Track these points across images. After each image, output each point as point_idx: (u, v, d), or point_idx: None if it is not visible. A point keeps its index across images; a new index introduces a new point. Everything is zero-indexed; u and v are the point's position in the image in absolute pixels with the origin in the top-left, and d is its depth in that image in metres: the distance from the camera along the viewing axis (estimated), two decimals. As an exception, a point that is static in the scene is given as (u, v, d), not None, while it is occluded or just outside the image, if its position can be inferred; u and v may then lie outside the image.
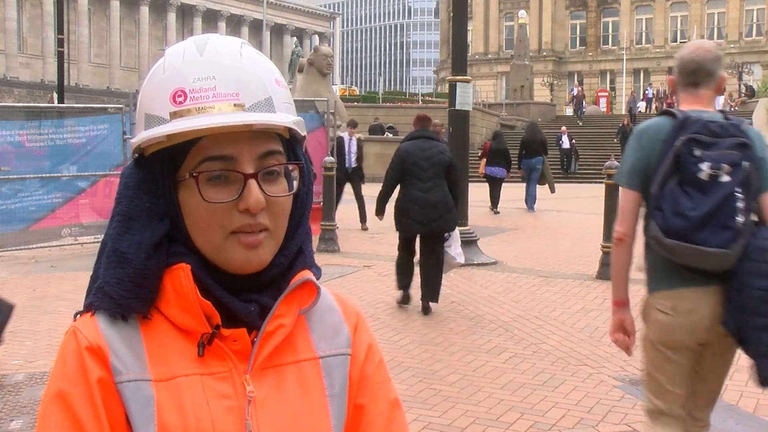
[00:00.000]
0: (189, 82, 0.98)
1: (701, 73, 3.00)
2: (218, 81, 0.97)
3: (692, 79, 3.02)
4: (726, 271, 2.83)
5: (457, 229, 7.59)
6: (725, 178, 2.79)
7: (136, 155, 1.03)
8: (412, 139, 7.54)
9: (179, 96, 0.97)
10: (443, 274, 7.44)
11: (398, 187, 7.44)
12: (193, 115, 0.96)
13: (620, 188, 3.07)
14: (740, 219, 2.79)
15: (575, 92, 44.82)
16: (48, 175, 11.57)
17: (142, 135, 1.00)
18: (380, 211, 7.75)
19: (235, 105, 0.97)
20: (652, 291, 3.01)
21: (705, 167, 2.79)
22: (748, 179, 2.80)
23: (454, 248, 7.50)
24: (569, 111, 45.80)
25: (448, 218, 7.19)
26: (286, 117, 1.01)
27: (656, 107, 43.17)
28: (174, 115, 0.97)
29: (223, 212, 0.98)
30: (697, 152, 2.80)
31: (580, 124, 39.75)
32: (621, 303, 3.12)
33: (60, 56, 17.95)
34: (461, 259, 7.71)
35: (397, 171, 7.31)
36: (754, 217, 2.88)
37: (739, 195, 2.79)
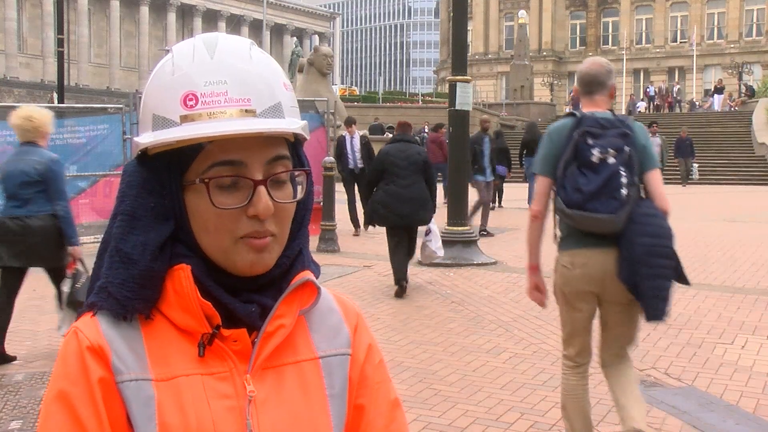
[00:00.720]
0: (200, 85, 0.97)
1: (595, 83, 3.77)
2: (230, 86, 0.97)
3: (588, 88, 3.79)
4: (615, 234, 3.56)
5: (435, 225, 8.53)
6: (611, 160, 3.55)
7: (140, 153, 1.03)
8: (393, 142, 8.54)
9: (190, 99, 0.97)
10: (425, 264, 8.97)
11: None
12: (204, 120, 0.96)
13: (536, 176, 3.78)
14: (624, 191, 3.52)
15: (573, 93, 44.53)
16: (48, 175, 11.57)
17: (152, 137, 0.99)
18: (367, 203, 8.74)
19: (246, 111, 0.97)
20: (560, 250, 3.81)
21: (596, 152, 3.56)
22: (630, 160, 3.55)
23: (434, 242, 8.47)
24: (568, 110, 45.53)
25: (423, 212, 8.08)
26: (294, 122, 1.01)
27: (657, 105, 42.66)
28: (185, 119, 0.97)
29: (232, 217, 0.98)
30: (590, 141, 3.57)
31: None
32: (534, 268, 3.95)
33: (60, 56, 17.95)
34: (441, 253, 8.63)
35: (378, 169, 8.30)
36: (642, 193, 3.64)
37: (623, 173, 3.53)
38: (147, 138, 1.00)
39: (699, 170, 28.92)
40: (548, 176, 3.70)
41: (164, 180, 1.01)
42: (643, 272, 3.52)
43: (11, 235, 5.63)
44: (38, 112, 5.85)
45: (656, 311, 3.62)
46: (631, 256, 3.54)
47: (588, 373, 4.03)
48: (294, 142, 1.06)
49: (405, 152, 8.21)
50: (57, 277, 5.91)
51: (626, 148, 3.56)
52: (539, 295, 4.03)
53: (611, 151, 3.56)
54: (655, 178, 3.69)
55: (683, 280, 3.73)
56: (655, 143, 18.42)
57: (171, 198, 1.01)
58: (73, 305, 5.68)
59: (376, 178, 8.32)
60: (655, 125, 19.04)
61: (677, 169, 27.80)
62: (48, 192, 5.66)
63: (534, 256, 3.94)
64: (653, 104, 43.59)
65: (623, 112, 43.58)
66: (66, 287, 5.77)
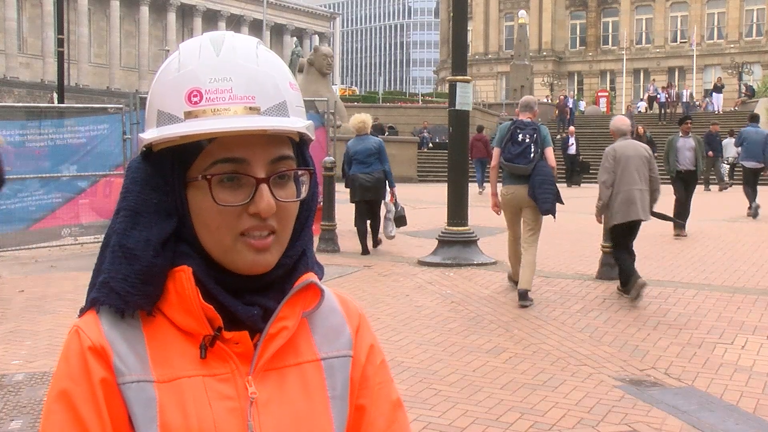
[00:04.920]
0: (205, 82, 0.97)
1: (527, 107, 7.98)
2: (234, 83, 0.97)
3: (523, 108, 7.99)
4: (527, 176, 7.46)
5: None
6: (527, 141, 7.53)
7: (144, 149, 1.03)
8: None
9: (195, 96, 0.97)
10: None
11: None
12: (208, 116, 0.96)
13: (494, 148, 8.00)
14: (531, 155, 7.47)
15: (565, 99, 42.54)
16: (48, 175, 11.57)
17: (155, 132, 0.99)
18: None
19: (250, 108, 0.97)
20: (503, 186, 7.79)
21: (520, 136, 7.57)
22: (536, 141, 7.50)
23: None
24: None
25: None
26: (299, 121, 1.01)
27: (669, 112, 40.54)
28: (189, 115, 0.97)
29: (233, 214, 0.98)
30: (518, 131, 7.63)
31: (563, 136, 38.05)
32: (494, 194, 7.89)
33: (60, 56, 17.95)
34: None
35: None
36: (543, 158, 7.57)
37: (533, 146, 7.50)
38: (151, 134, 1.00)
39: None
40: (499, 147, 7.76)
41: (168, 176, 1.00)
42: (537, 191, 7.41)
43: (361, 184, 10.47)
44: (367, 117, 11.17)
45: (544, 209, 7.47)
46: (533, 185, 7.44)
47: (519, 241, 7.79)
48: (299, 142, 1.06)
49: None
50: (378, 205, 10.77)
51: (534, 135, 7.59)
52: (497, 209, 7.97)
53: (527, 136, 7.59)
54: (548, 151, 7.61)
55: (559, 199, 7.55)
56: (686, 145, 12.80)
57: (174, 195, 1.00)
58: (398, 220, 10.80)
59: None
60: (688, 122, 13.50)
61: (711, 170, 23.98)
62: (380, 159, 10.59)
63: (494, 188, 7.96)
64: (664, 111, 41.12)
65: (623, 113, 43.31)
66: (391, 210, 10.77)
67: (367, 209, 10.68)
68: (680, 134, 13.10)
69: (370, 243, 10.82)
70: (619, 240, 7.79)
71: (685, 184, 12.80)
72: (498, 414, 4.69)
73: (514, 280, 8.02)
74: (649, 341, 6.32)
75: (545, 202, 7.36)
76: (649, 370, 5.59)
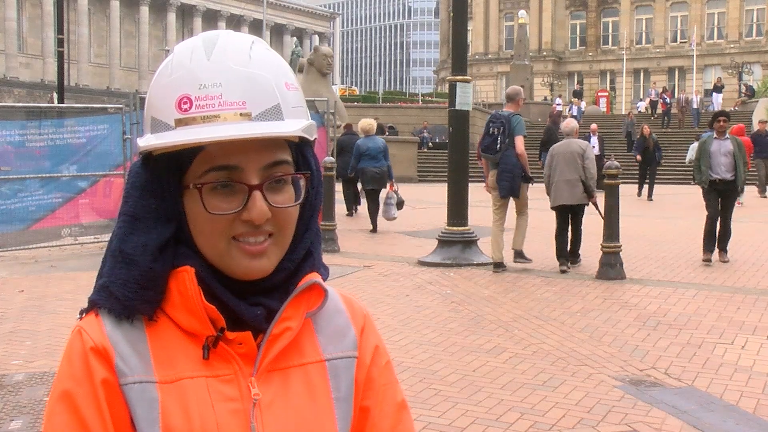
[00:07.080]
0: (195, 88, 0.96)
1: (509, 97, 9.80)
2: (224, 88, 0.96)
3: (508, 99, 9.86)
4: (497, 164, 9.31)
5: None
6: (496, 133, 9.27)
7: (142, 154, 1.03)
8: (344, 136, 15.39)
9: (185, 103, 0.96)
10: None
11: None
12: (198, 123, 0.95)
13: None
14: (499, 146, 9.24)
15: (569, 106, 40.69)
16: (48, 175, 11.56)
17: (149, 140, 0.99)
18: (355, 176, 13.92)
19: (241, 114, 0.95)
20: (489, 170, 9.69)
21: (491, 129, 9.38)
22: (504, 132, 9.26)
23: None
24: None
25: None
26: (295, 124, 0.99)
27: (675, 113, 39.19)
28: (179, 123, 0.96)
29: (226, 221, 0.98)
30: (491, 125, 9.43)
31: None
32: (487, 176, 9.68)
33: (60, 56, 17.95)
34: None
35: (357, 155, 13.53)
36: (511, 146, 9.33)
37: (500, 138, 9.22)
38: (145, 141, 1.00)
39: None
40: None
41: (164, 182, 1.00)
42: (498, 179, 9.22)
43: (372, 175, 13.01)
44: (374, 121, 14.33)
45: (501, 195, 9.28)
46: (500, 172, 9.19)
47: (504, 222, 9.43)
48: (299, 143, 1.04)
49: (352, 142, 14.22)
50: (378, 193, 13.11)
51: (502, 128, 9.14)
52: (489, 188, 9.51)
53: (496, 129, 9.20)
54: (517, 139, 9.18)
55: (527, 179, 9.34)
56: (722, 149, 10.07)
57: (172, 200, 1.00)
58: (399, 204, 12.56)
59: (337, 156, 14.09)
60: (721, 119, 10.42)
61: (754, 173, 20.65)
62: (385, 156, 13.10)
63: (486, 171, 9.68)
64: (668, 119, 38.09)
65: (623, 112, 43.18)
66: (392, 197, 12.49)
67: (374, 196, 13.28)
68: (714, 135, 10.31)
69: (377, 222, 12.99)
70: (559, 220, 9.61)
71: (720, 196, 10.15)
72: (498, 414, 4.69)
73: (494, 261, 9.33)
74: (649, 341, 6.32)
75: (502, 189, 9.27)
76: (649, 370, 5.59)
